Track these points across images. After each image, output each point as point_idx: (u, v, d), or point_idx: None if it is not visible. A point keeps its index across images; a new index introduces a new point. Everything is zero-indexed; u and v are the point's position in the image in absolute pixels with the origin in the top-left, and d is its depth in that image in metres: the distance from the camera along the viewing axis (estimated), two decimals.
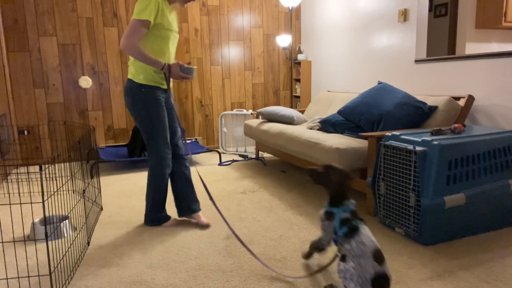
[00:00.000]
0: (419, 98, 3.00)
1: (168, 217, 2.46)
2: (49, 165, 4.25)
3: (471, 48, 4.12)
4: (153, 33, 2.18)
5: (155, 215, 2.43)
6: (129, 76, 2.26)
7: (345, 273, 1.48)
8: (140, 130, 2.33)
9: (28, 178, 3.76)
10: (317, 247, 1.78)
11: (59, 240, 2.25)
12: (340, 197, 1.63)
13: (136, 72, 2.22)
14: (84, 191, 2.23)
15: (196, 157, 4.56)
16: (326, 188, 1.67)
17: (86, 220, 2.24)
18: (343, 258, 1.52)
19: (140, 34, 2.10)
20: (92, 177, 2.68)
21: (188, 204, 2.47)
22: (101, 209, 2.79)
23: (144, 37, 2.18)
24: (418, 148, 2.06)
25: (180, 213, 2.50)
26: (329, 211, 1.64)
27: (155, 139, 2.30)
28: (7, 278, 1.82)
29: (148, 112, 2.25)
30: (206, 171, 3.85)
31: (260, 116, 4.22)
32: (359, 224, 1.55)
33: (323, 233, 1.69)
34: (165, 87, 2.33)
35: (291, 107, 5.27)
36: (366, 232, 1.53)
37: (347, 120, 3.03)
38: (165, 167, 2.36)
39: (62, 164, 4.29)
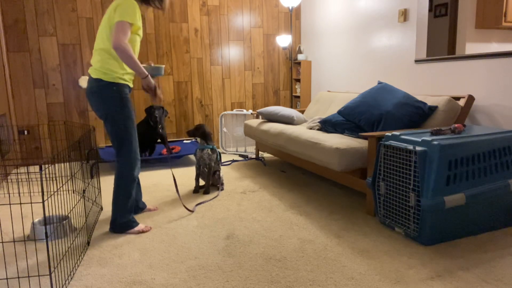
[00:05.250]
0: (419, 98, 3.00)
1: (137, 223, 2.37)
2: (49, 165, 4.25)
3: (471, 48, 4.12)
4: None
5: (125, 221, 2.32)
6: (96, 76, 2.20)
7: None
8: (110, 130, 2.24)
9: (28, 178, 3.76)
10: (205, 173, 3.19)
11: (59, 240, 2.25)
12: (209, 139, 3.15)
13: (106, 71, 2.19)
14: (84, 191, 2.23)
15: None
16: (200, 136, 3.16)
17: (86, 220, 2.24)
18: (220, 156, 3.22)
19: (128, 35, 2.11)
20: (92, 177, 2.68)
21: (136, 203, 2.61)
22: (101, 209, 2.79)
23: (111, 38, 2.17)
24: (418, 148, 2.06)
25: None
26: (213, 148, 3.13)
27: (128, 138, 2.25)
28: (7, 278, 1.82)
29: (121, 110, 2.22)
30: None
31: (260, 116, 4.22)
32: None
33: (212, 160, 3.10)
34: (131, 84, 2.35)
35: (291, 107, 5.27)
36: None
37: (347, 120, 3.03)
38: (136, 169, 2.31)
39: (62, 164, 4.29)
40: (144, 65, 2.35)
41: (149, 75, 2.23)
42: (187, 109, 4.82)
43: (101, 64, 2.19)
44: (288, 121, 3.73)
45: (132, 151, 2.27)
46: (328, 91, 4.59)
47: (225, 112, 4.75)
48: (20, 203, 1.52)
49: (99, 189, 2.88)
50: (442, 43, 4.61)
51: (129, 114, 2.26)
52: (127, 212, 2.32)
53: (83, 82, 4.32)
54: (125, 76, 2.27)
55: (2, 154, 3.41)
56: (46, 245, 2.06)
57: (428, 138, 2.09)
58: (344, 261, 1.93)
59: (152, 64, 2.37)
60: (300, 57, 5.04)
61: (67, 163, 4.24)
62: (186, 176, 3.70)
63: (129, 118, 2.25)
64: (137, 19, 2.15)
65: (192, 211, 2.69)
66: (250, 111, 4.67)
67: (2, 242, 1.93)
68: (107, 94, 2.19)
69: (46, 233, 1.57)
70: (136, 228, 2.34)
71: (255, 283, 1.75)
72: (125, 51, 2.08)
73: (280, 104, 5.28)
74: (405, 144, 2.17)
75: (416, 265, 1.87)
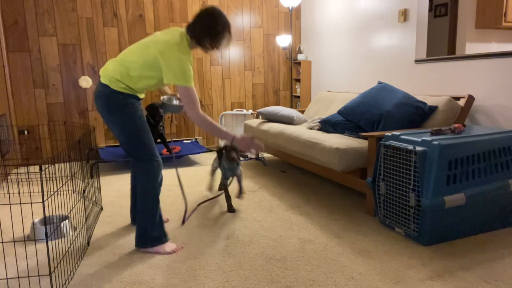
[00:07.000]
0: (419, 98, 3.00)
1: (168, 238, 2.14)
2: (49, 165, 4.25)
3: (471, 48, 4.12)
4: (158, 76, 2.06)
5: (158, 233, 2.08)
6: (104, 81, 2.03)
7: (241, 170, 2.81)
8: (122, 138, 2.07)
9: (28, 178, 3.76)
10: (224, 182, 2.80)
11: (59, 240, 2.25)
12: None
13: (117, 81, 2.02)
14: (84, 191, 2.23)
15: (195, 157, 4.56)
16: (221, 156, 2.78)
17: (86, 220, 2.24)
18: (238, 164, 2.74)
19: (198, 102, 2.02)
20: (92, 177, 2.68)
21: None
22: (101, 209, 2.79)
23: (149, 70, 2.03)
24: (418, 148, 2.06)
25: (134, 222, 2.39)
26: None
27: (144, 143, 2.06)
28: (7, 278, 1.82)
29: (131, 116, 2.04)
30: (206, 171, 3.85)
31: (260, 116, 4.22)
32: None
33: (227, 171, 2.76)
34: (141, 96, 2.18)
35: (291, 107, 5.27)
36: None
37: (347, 120, 3.02)
38: (160, 173, 2.12)
39: (62, 164, 4.29)
40: (165, 97, 2.29)
41: (235, 137, 2.08)
42: None
43: (114, 74, 2.03)
44: (288, 121, 3.73)
45: (153, 155, 2.09)
46: (328, 91, 4.59)
47: (225, 112, 4.75)
48: (20, 203, 1.52)
49: (99, 189, 2.88)
50: (442, 43, 4.61)
51: (140, 119, 2.09)
52: (159, 223, 2.08)
53: (83, 82, 4.32)
54: (133, 91, 2.09)
55: (2, 154, 3.41)
56: (46, 245, 2.06)
57: (428, 138, 2.09)
58: (344, 261, 1.93)
59: (165, 98, 2.25)
60: (300, 57, 5.04)
61: (67, 163, 4.24)
62: (186, 176, 3.70)
63: (140, 122, 2.08)
64: (192, 76, 2.04)
65: (184, 220, 2.53)
66: (250, 111, 4.67)
67: (2, 242, 1.94)
68: (113, 101, 2.03)
69: (46, 233, 1.57)
70: (167, 249, 2.07)
71: (255, 283, 1.75)
72: (204, 124, 2.02)
73: (280, 104, 5.28)
74: (405, 144, 2.17)
75: (416, 265, 1.87)
